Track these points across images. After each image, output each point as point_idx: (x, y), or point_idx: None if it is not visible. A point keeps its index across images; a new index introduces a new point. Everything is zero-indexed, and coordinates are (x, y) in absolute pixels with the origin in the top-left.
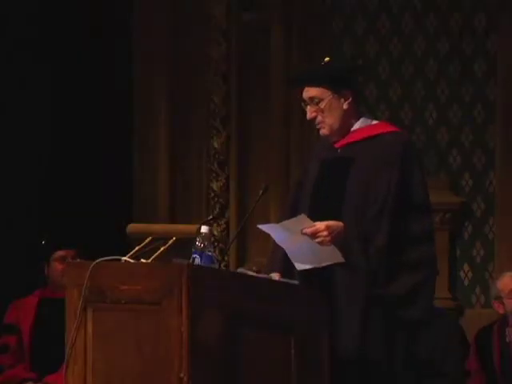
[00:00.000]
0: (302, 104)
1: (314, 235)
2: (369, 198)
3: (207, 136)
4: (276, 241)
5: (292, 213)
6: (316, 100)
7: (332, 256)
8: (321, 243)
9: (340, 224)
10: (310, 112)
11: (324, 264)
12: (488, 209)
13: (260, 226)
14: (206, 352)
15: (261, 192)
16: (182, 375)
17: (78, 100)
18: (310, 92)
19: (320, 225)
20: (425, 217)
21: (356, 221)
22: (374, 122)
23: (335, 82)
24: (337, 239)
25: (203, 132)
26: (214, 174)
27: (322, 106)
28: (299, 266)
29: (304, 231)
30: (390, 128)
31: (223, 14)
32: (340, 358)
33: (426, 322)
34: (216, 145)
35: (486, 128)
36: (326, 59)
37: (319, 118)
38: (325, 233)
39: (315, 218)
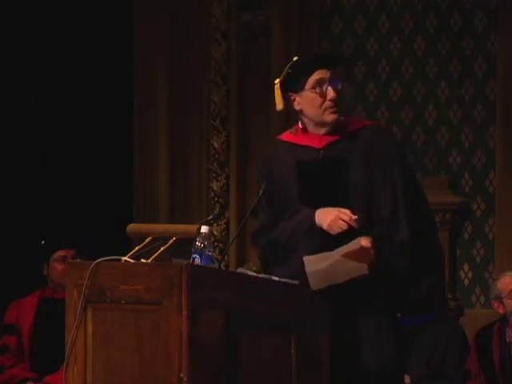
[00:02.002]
0: (322, 86)
1: (364, 251)
2: (373, 194)
3: (207, 136)
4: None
5: (274, 227)
6: (339, 80)
7: (357, 269)
8: (365, 260)
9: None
10: (334, 92)
11: (346, 279)
12: (488, 209)
13: (305, 258)
14: (206, 352)
15: (261, 192)
16: (181, 375)
17: (79, 100)
18: (331, 71)
19: (366, 242)
20: (427, 205)
21: (370, 219)
22: (343, 117)
23: (343, 71)
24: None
25: (203, 132)
26: (213, 174)
27: (340, 87)
28: (315, 287)
29: (365, 245)
30: (365, 121)
31: (223, 14)
32: (344, 358)
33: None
34: (216, 145)
35: (486, 128)
36: (295, 59)
37: (337, 100)
38: (372, 250)
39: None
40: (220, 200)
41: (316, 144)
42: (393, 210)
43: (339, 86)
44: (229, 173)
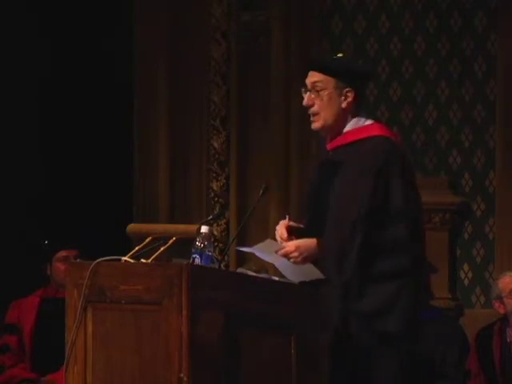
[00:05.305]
0: (302, 90)
1: (286, 256)
2: (347, 203)
3: (207, 136)
4: (262, 259)
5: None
6: (318, 87)
7: (311, 273)
8: (293, 263)
9: (312, 241)
10: (308, 98)
11: (308, 279)
12: (488, 209)
13: (241, 248)
14: (206, 352)
15: (261, 192)
16: (181, 375)
17: (79, 100)
18: (314, 77)
19: (290, 246)
20: (400, 226)
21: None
22: (368, 122)
23: (342, 77)
24: (309, 257)
25: (203, 132)
26: (214, 174)
27: (322, 95)
28: (291, 278)
29: (278, 253)
30: (379, 131)
31: (223, 13)
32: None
33: (405, 333)
34: (216, 145)
35: (486, 128)
36: (339, 54)
37: (315, 108)
38: (295, 253)
39: (314, 224)
40: (220, 200)
41: (329, 146)
42: (351, 228)
43: (312, 94)
44: (229, 173)
